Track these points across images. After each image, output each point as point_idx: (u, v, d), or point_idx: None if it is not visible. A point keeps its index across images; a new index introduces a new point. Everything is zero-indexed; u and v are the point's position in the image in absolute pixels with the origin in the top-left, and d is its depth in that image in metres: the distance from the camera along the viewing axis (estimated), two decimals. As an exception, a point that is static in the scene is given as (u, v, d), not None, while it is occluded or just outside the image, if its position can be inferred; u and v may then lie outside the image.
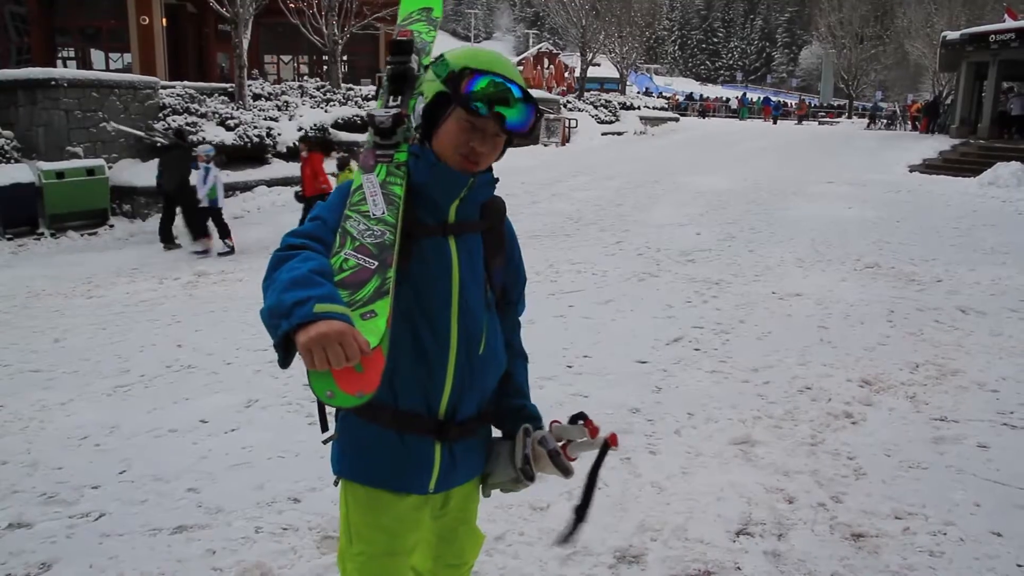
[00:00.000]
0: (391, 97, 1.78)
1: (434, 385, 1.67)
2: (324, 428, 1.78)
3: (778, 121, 45.39)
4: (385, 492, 1.70)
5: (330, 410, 1.81)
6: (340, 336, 1.31)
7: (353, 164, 11.24)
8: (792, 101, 57.56)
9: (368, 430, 1.69)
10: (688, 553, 3.05)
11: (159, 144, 11.94)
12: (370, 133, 1.74)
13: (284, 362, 1.40)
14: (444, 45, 2.28)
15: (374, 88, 20.44)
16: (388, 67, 1.83)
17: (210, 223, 10.45)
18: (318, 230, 1.61)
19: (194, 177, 10.24)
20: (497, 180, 1.76)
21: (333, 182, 10.84)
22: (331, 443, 1.75)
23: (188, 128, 13.84)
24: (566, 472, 1.70)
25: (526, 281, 1.93)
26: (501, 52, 1.84)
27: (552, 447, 1.70)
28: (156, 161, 11.46)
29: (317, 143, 11.34)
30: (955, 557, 3.04)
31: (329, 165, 11.65)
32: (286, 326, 1.33)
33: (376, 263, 1.55)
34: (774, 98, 56.56)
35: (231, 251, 10.23)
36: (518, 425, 1.78)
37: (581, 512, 1.74)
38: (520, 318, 1.95)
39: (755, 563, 2.99)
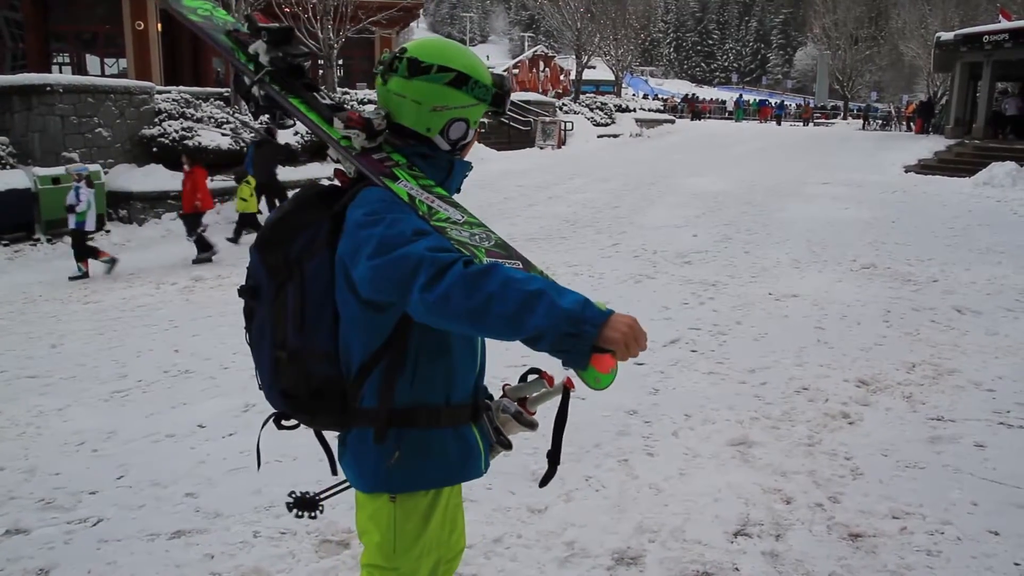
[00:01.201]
0: (315, 94, 1.78)
1: (474, 373, 1.76)
2: (259, 463, 1.93)
3: (781, 122, 45.45)
4: (442, 489, 1.73)
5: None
6: (637, 325, 1.38)
7: (251, 177, 11.19)
8: (793, 103, 57.56)
9: (431, 436, 1.68)
10: (686, 554, 3.05)
11: (252, 140, 12.77)
12: (358, 139, 1.67)
13: (585, 363, 1.37)
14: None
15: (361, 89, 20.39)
16: (277, 61, 1.79)
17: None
18: (447, 241, 1.52)
19: (70, 197, 9.45)
20: None
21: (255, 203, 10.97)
22: (387, 466, 1.66)
23: (185, 132, 13.83)
24: (532, 426, 1.81)
25: None
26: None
27: (514, 410, 1.80)
28: (149, 166, 11.55)
29: (198, 157, 10.62)
30: (952, 556, 3.04)
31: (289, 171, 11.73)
32: (594, 330, 1.34)
33: (519, 262, 1.56)
34: (772, 100, 56.66)
35: (83, 276, 9.39)
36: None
37: (555, 456, 1.78)
38: None
39: (753, 564, 3.00)
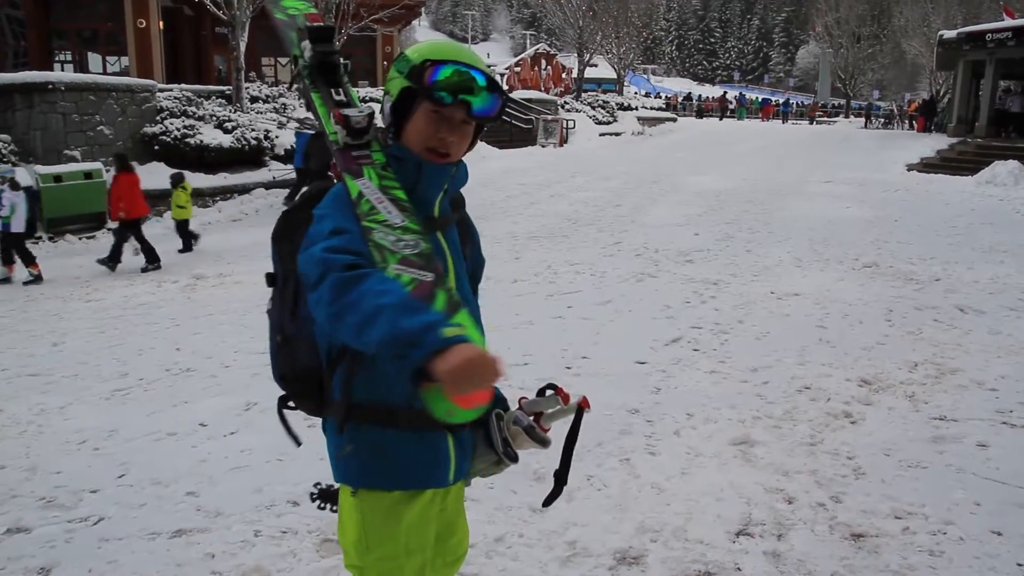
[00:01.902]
0: (333, 91, 1.78)
1: None
2: (297, 443, 1.88)
3: (786, 120, 45.31)
4: (406, 493, 1.71)
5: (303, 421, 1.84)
6: (482, 360, 1.29)
7: (188, 183, 10.95)
8: (795, 101, 57.40)
9: (387, 435, 1.68)
10: (688, 554, 3.05)
11: (297, 132, 13.01)
12: (341, 135, 1.69)
13: (416, 391, 1.35)
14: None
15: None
16: (311, 57, 1.82)
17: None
18: (353, 243, 1.53)
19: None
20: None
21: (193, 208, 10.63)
22: (343, 459, 1.71)
23: (187, 131, 13.84)
24: (543, 443, 1.76)
25: (484, 263, 1.99)
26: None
27: (526, 423, 1.76)
28: (151, 164, 11.52)
29: (126, 163, 10.13)
30: (955, 556, 3.03)
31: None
32: (421, 355, 1.29)
33: (431, 274, 1.52)
34: (776, 98, 56.56)
35: (36, 280, 9.17)
36: (489, 410, 1.80)
37: (562, 476, 1.79)
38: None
39: (755, 563, 2.99)
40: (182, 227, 10.88)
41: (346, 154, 1.68)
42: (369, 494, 1.71)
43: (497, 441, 1.77)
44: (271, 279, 1.81)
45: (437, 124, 1.63)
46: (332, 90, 1.79)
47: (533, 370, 5.20)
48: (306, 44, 1.85)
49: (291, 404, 1.85)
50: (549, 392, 1.77)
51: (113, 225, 10.36)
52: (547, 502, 1.82)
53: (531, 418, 1.77)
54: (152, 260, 9.82)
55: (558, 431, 1.79)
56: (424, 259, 1.54)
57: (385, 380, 1.64)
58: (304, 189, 1.82)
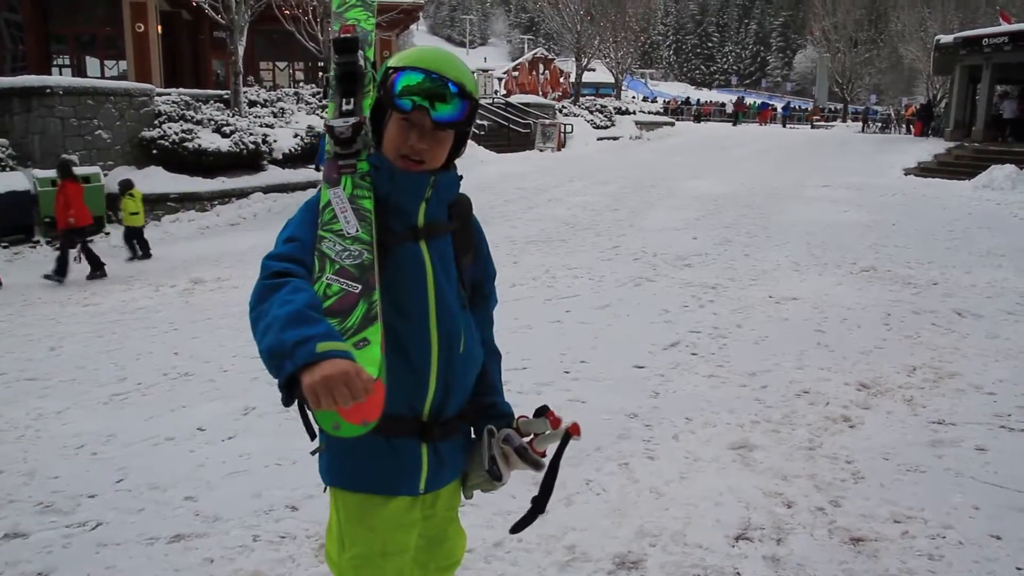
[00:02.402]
0: (343, 100, 1.77)
1: (418, 389, 1.69)
2: (312, 436, 1.81)
3: (786, 123, 45.27)
4: (376, 496, 1.71)
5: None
6: (345, 376, 1.31)
7: (136, 189, 10.89)
8: (796, 105, 57.41)
9: (356, 439, 1.68)
10: (687, 559, 3.04)
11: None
12: (330, 144, 1.71)
13: (287, 401, 1.39)
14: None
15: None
16: (335, 67, 1.81)
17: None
18: (297, 251, 1.58)
19: None
20: (461, 177, 1.79)
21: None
22: (318, 455, 1.75)
23: (185, 135, 13.84)
24: (536, 466, 1.73)
25: (496, 274, 1.97)
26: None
27: (518, 444, 1.73)
28: (148, 168, 11.50)
29: (70, 170, 9.98)
30: (954, 560, 3.03)
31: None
32: (291, 367, 1.32)
33: (360, 286, 1.54)
34: (775, 103, 56.62)
35: None
36: (487, 424, 1.81)
37: (539, 503, 1.77)
38: (493, 313, 1.97)
39: (754, 568, 2.99)
40: (135, 234, 10.73)
41: (333, 163, 1.70)
42: (339, 492, 1.74)
43: (485, 458, 1.76)
44: None
45: (407, 131, 1.63)
46: (343, 99, 1.78)
47: (531, 374, 5.20)
48: (334, 56, 1.85)
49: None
50: (543, 416, 1.75)
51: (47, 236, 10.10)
52: (518, 527, 1.80)
53: (527, 439, 1.75)
54: (97, 268, 9.65)
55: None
56: (360, 270, 1.56)
57: None
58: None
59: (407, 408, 1.69)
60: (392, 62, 1.65)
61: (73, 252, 9.57)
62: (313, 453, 1.74)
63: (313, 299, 1.46)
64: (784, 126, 44.39)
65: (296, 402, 1.85)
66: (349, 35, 1.83)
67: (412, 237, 1.68)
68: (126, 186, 10.83)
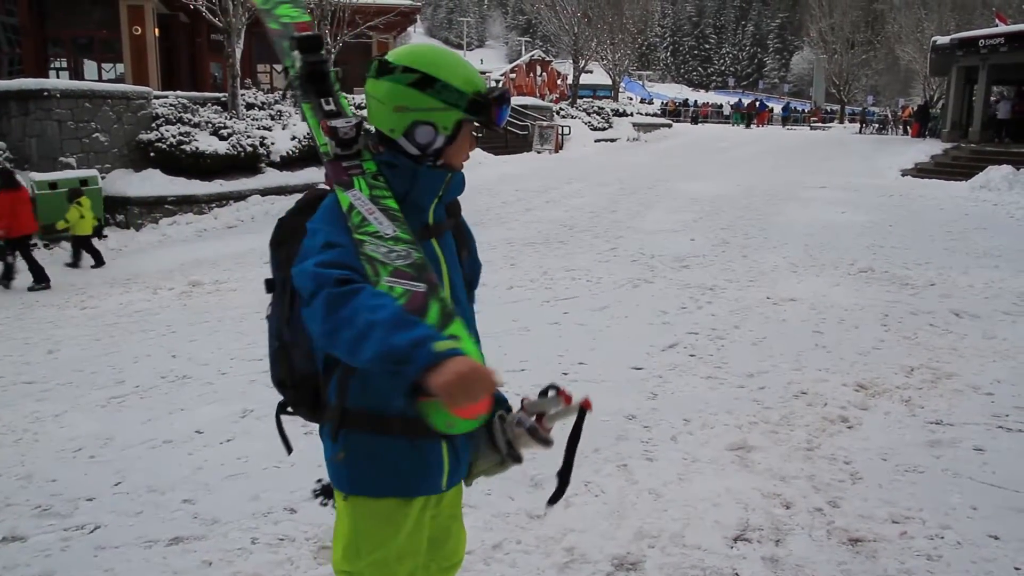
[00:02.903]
0: (323, 101, 1.78)
1: None
2: (289, 449, 1.88)
3: (785, 124, 45.07)
4: (400, 499, 1.72)
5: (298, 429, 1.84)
6: (476, 373, 1.31)
7: (85, 199, 10.58)
8: (794, 107, 57.38)
9: (380, 442, 1.68)
10: (686, 560, 3.04)
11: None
12: (330, 146, 1.70)
13: (412, 405, 1.38)
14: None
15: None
16: (301, 67, 1.81)
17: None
18: (345, 257, 1.54)
19: None
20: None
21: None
22: (334, 465, 1.73)
23: (183, 137, 13.83)
24: (546, 444, 1.76)
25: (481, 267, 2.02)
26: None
27: (529, 424, 1.76)
28: (146, 171, 11.46)
29: (11, 178, 9.60)
30: (953, 561, 3.04)
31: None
32: (413, 371, 1.32)
33: (424, 285, 1.54)
34: (772, 104, 56.64)
35: None
36: (491, 412, 1.82)
37: (564, 476, 1.80)
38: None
39: (753, 569, 2.99)
40: (82, 242, 10.53)
41: (336, 165, 1.68)
42: (361, 500, 1.72)
43: (501, 443, 1.78)
44: (270, 285, 1.81)
45: (471, 140, 1.74)
46: (322, 100, 1.79)
47: (529, 376, 5.20)
48: (295, 54, 1.85)
49: (289, 409, 1.87)
50: (551, 393, 1.78)
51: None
52: (552, 501, 1.83)
53: (533, 419, 1.78)
54: (40, 280, 9.40)
55: (559, 431, 1.80)
56: (416, 270, 1.56)
57: (378, 388, 1.64)
58: (303, 195, 1.83)
59: None
60: (460, 82, 1.64)
61: (10, 259, 9.38)
62: (334, 463, 1.72)
63: (396, 301, 1.46)
64: (784, 126, 44.33)
65: (276, 418, 1.87)
66: (310, 32, 1.82)
67: (425, 235, 1.69)
68: (74, 194, 10.57)
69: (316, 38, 1.81)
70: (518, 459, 1.79)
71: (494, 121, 1.66)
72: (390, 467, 1.69)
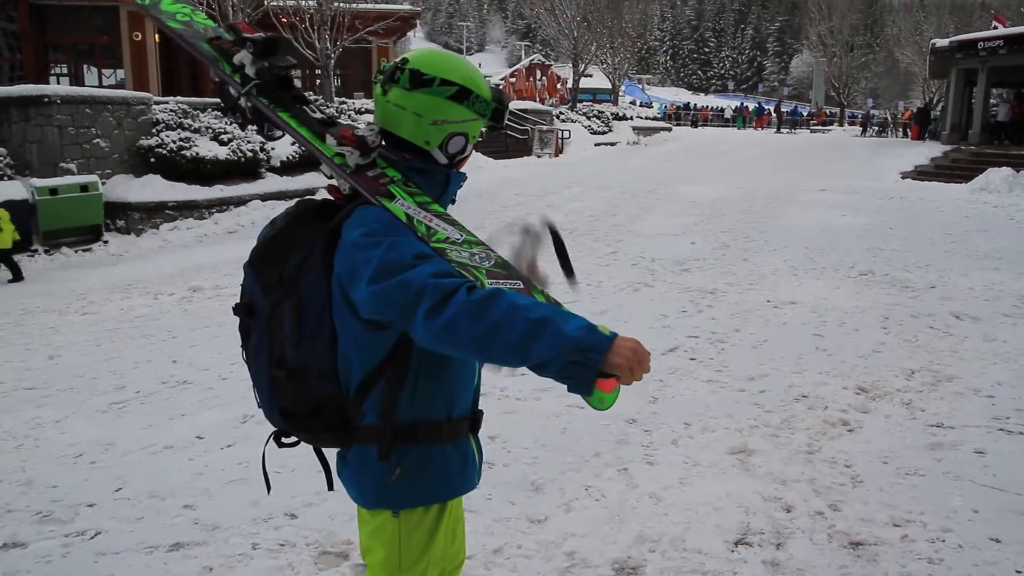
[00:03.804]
0: (308, 109, 1.72)
1: (474, 385, 1.75)
2: (269, 488, 1.91)
3: (795, 128, 44.81)
4: (441, 505, 1.71)
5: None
6: (641, 345, 1.36)
7: (4, 211, 10.13)
8: (800, 110, 57.27)
9: (432, 451, 1.66)
10: (687, 564, 3.04)
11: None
12: (352, 156, 1.62)
13: (590, 389, 1.37)
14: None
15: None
16: (265, 72, 1.72)
17: None
18: (448, 265, 1.50)
19: None
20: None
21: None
22: (392, 483, 1.64)
23: (183, 143, 13.86)
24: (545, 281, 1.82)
25: None
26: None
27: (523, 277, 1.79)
28: (146, 176, 11.41)
29: None
30: (954, 564, 3.04)
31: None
32: (599, 358, 1.33)
33: (519, 280, 1.54)
34: (769, 108, 56.57)
35: None
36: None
37: (568, 268, 1.82)
38: None
39: (754, 573, 2.99)
40: (2, 256, 10.18)
41: (364, 176, 1.62)
42: (411, 514, 1.67)
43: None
44: (248, 310, 1.67)
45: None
46: (306, 107, 1.72)
47: (529, 380, 5.20)
48: (244, 57, 1.75)
49: (284, 441, 1.75)
50: (520, 239, 1.78)
51: None
52: (570, 280, 1.85)
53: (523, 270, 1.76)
54: None
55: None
56: (504, 268, 1.56)
57: (426, 397, 1.63)
58: (290, 207, 1.73)
59: (468, 408, 1.73)
60: (469, 83, 1.66)
61: None
62: (390, 483, 1.63)
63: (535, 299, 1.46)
64: (791, 129, 44.21)
65: (263, 453, 1.81)
66: (264, 34, 1.75)
67: None
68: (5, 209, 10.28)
69: (275, 39, 1.73)
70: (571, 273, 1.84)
71: (502, 124, 1.73)
72: (441, 474, 1.67)
